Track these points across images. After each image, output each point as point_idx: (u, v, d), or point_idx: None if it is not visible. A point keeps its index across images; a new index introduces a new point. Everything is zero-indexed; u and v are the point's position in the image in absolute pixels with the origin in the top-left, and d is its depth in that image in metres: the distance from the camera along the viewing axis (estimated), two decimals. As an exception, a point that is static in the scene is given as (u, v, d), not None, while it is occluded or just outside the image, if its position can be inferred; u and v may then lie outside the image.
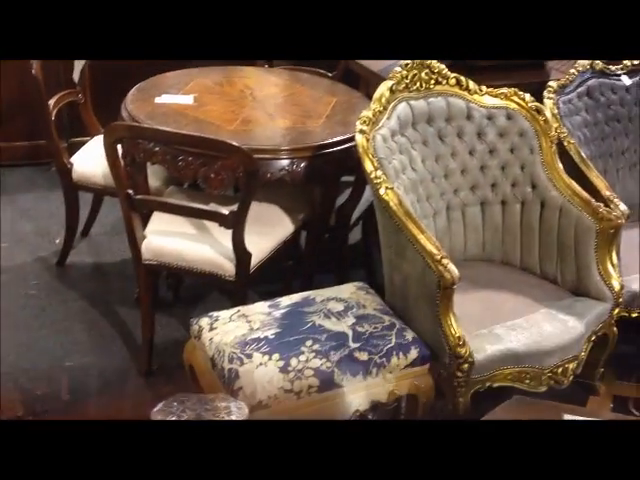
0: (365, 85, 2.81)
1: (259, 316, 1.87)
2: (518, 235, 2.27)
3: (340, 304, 1.94)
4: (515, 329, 1.96)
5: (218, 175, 2.03)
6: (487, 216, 2.30)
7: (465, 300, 2.04)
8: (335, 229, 2.46)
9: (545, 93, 2.37)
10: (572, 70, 2.49)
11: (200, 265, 2.11)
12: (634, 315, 2.23)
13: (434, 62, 2.20)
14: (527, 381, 1.96)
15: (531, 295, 2.11)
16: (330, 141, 2.21)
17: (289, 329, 1.82)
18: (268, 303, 1.94)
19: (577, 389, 2.21)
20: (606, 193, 2.21)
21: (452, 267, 1.82)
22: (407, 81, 2.16)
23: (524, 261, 2.27)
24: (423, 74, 2.19)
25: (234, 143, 1.90)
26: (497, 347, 1.90)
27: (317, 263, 2.49)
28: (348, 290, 2.02)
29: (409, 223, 1.89)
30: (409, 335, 1.87)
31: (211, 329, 1.84)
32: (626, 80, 2.58)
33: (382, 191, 1.91)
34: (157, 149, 2.07)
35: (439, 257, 1.83)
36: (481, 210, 2.30)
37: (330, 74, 2.99)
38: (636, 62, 2.61)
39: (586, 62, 2.51)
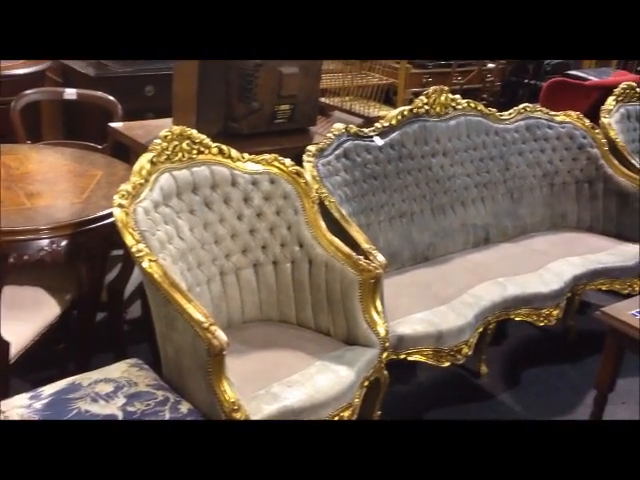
0: (135, 157, 2.79)
1: (17, 410, 1.73)
2: (291, 293, 2.36)
3: (110, 385, 1.86)
4: (291, 385, 2.01)
5: (-35, 262, 1.89)
6: (261, 277, 2.36)
7: (242, 363, 2.07)
8: (108, 306, 2.38)
9: (304, 157, 2.52)
10: (329, 134, 2.68)
11: (-52, 363, 1.92)
12: (402, 357, 2.38)
13: (194, 132, 2.25)
14: (305, 436, 2.01)
15: (307, 349, 2.19)
16: (93, 216, 2.16)
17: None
18: (29, 394, 1.81)
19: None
20: (365, 246, 2.37)
21: (220, 333, 1.83)
22: (168, 152, 2.19)
23: (299, 317, 2.36)
24: (184, 145, 2.22)
25: (-26, 228, 1.78)
26: (274, 406, 1.92)
27: (93, 343, 2.38)
28: (119, 369, 1.95)
29: (175, 294, 1.88)
30: (184, 407, 1.84)
31: (-40, 433, 1.67)
32: (378, 141, 2.82)
33: (145, 264, 1.89)
34: None
35: (207, 325, 1.83)
36: (255, 272, 2.36)
37: (100, 146, 2.94)
38: (386, 124, 2.88)
39: (341, 126, 2.71)
